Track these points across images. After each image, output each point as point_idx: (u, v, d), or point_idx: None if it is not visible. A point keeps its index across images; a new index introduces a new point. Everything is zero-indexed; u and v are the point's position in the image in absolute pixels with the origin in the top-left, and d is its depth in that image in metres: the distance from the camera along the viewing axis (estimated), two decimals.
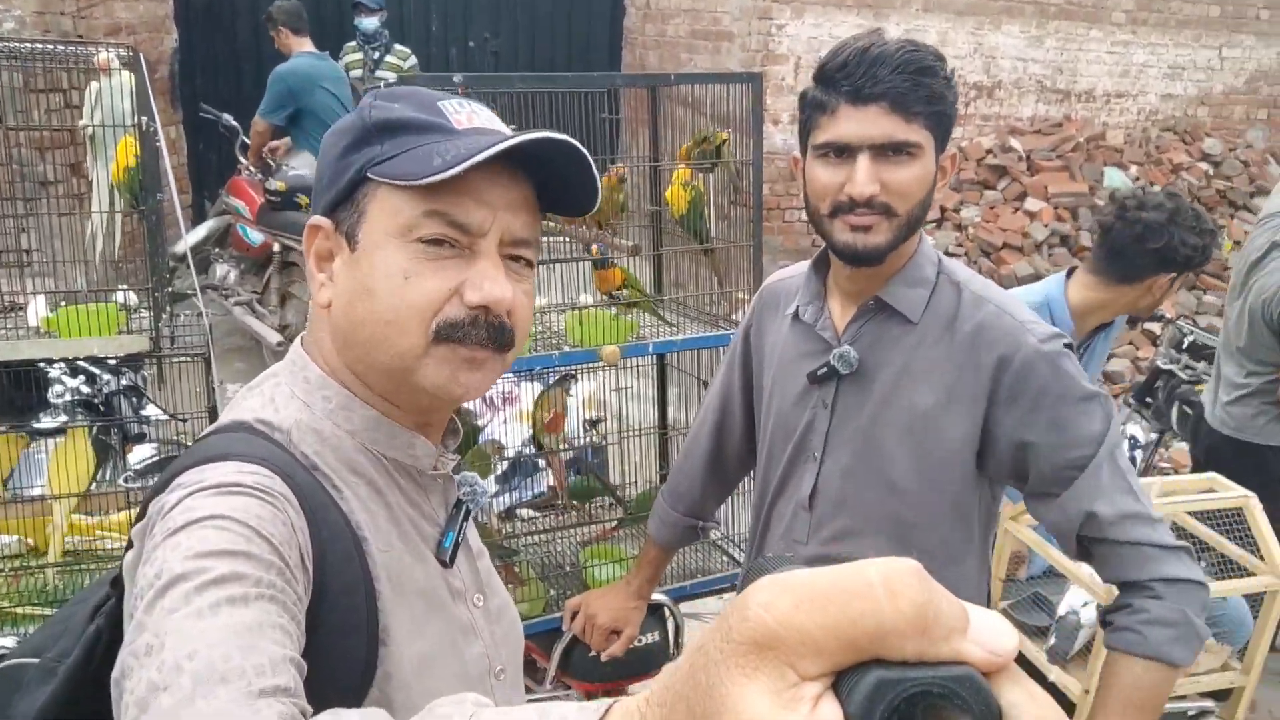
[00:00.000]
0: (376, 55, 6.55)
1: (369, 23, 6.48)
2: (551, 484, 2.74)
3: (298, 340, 0.98)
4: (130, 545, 0.81)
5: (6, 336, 2.18)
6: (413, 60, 6.74)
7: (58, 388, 3.44)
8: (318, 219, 0.94)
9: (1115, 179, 7.35)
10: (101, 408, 3.45)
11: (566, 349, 2.25)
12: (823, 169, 1.44)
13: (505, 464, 2.76)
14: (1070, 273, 2.50)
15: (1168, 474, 3.91)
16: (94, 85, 2.31)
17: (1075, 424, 1.44)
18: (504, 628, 1.04)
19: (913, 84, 1.37)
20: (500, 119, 0.97)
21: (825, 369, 1.53)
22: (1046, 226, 6.99)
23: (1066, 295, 2.45)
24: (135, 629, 0.69)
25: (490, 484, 2.71)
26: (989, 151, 7.66)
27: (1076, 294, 2.45)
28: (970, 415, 1.48)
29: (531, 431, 2.48)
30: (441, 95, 0.94)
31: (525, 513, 2.76)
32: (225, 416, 0.92)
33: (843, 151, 1.41)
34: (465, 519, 1.00)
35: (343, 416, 0.93)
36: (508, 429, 2.69)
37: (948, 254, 7.18)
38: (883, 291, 1.50)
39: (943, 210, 7.31)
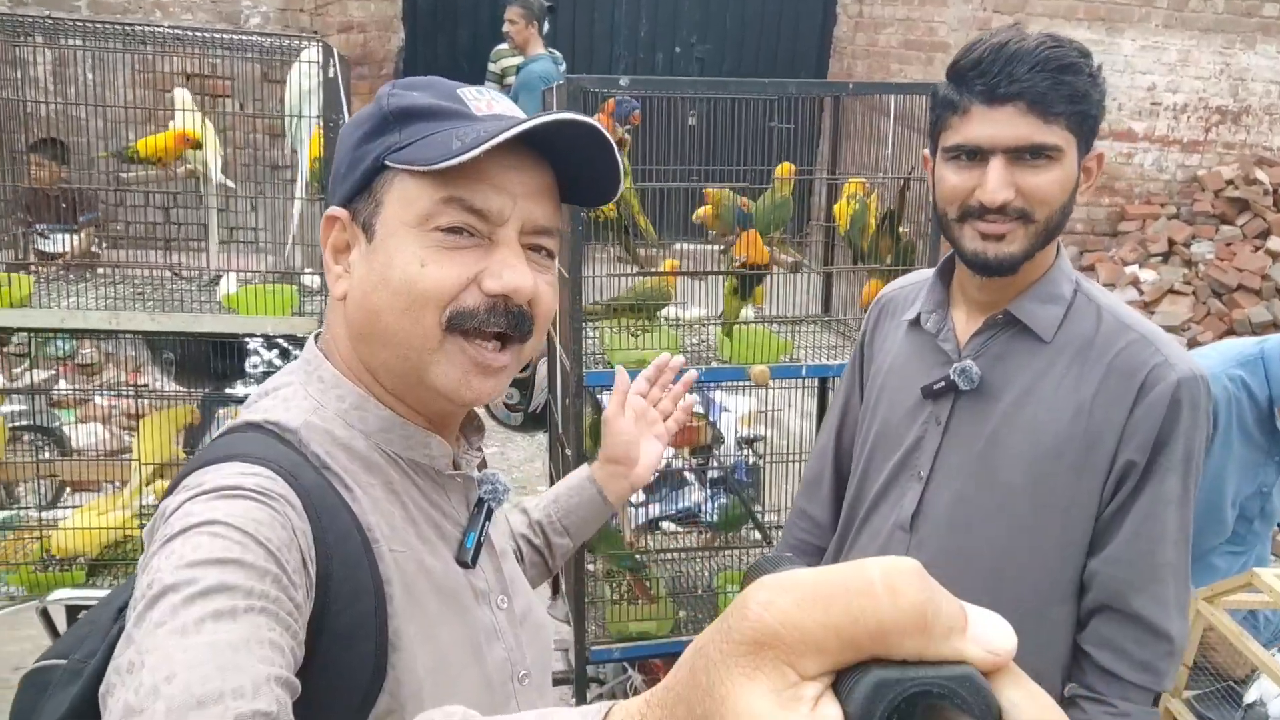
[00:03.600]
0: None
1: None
2: (696, 500, 2.67)
3: (311, 339, 0.97)
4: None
5: (197, 309, 2.31)
6: (564, 66, 6.35)
7: (254, 359, 3.71)
8: (335, 210, 0.92)
9: None
10: None
11: (715, 364, 2.17)
12: (952, 172, 1.34)
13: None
14: None
15: None
16: (292, 75, 2.43)
17: (1166, 475, 1.33)
18: (529, 631, 1.01)
19: (1053, 82, 1.26)
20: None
21: (943, 383, 1.43)
22: None
23: None
24: (124, 642, 0.68)
25: (636, 494, 2.66)
26: (1230, 183, 6.95)
27: None
28: (1100, 449, 1.35)
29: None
30: (461, 84, 0.91)
31: (668, 526, 2.70)
32: (240, 417, 0.91)
33: (974, 154, 1.31)
34: (487, 518, 0.97)
35: (356, 416, 0.91)
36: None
37: (1172, 291, 6.58)
38: (1013, 306, 1.39)
39: (1171, 243, 6.70)
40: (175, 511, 0.76)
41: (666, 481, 2.73)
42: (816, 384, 2.64)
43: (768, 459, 2.67)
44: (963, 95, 1.31)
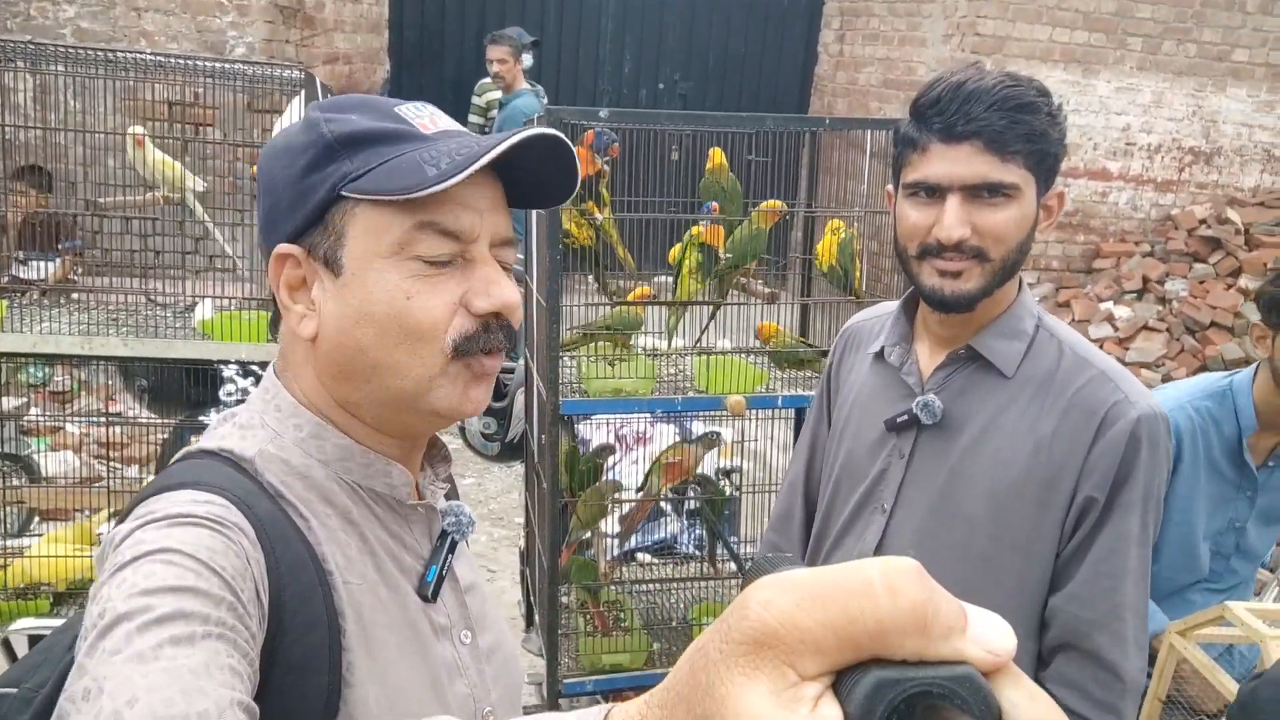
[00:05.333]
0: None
1: (527, 59, 6.13)
2: (673, 531, 2.66)
3: (270, 367, 0.95)
4: None
5: (171, 335, 2.30)
6: (545, 99, 6.34)
7: (229, 386, 3.68)
8: (287, 247, 0.88)
9: None
10: None
11: (691, 394, 2.17)
12: (912, 209, 1.36)
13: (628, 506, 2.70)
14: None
15: None
16: (289, 109, 2.45)
17: (1126, 513, 1.34)
18: (495, 667, 0.99)
19: (1009, 121, 1.27)
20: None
21: (906, 417, 1.44)
22: None
23: (1253, 387, 2.15)
24: (76, 672, 0.66)
25: (610, 525, 2.65)
26: (1202, 222, 7.06)
27: (1260, 392, 2.14)
28: (1060, 486, 1.36)
29: (648, 471, 2.41)
30: (394, 101, 0.90)
31: (643, 557, 2.69)
32: (196, 444, 0.89)
33: (933, 192, 1.33)
34: (450, 551, 0.95)
35: (314, 445, 0.89)
36: (636, 470, 2.63)
37: (1147, 328, 6.65)
38: (975, 341, 1.41)
39: (1145, 281, 6.79)
40: (126, 539, 0.74)
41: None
42: (793, 415, 2.65)
43: (744, 490, 2.67)
44: (922, 133, 1.33)
